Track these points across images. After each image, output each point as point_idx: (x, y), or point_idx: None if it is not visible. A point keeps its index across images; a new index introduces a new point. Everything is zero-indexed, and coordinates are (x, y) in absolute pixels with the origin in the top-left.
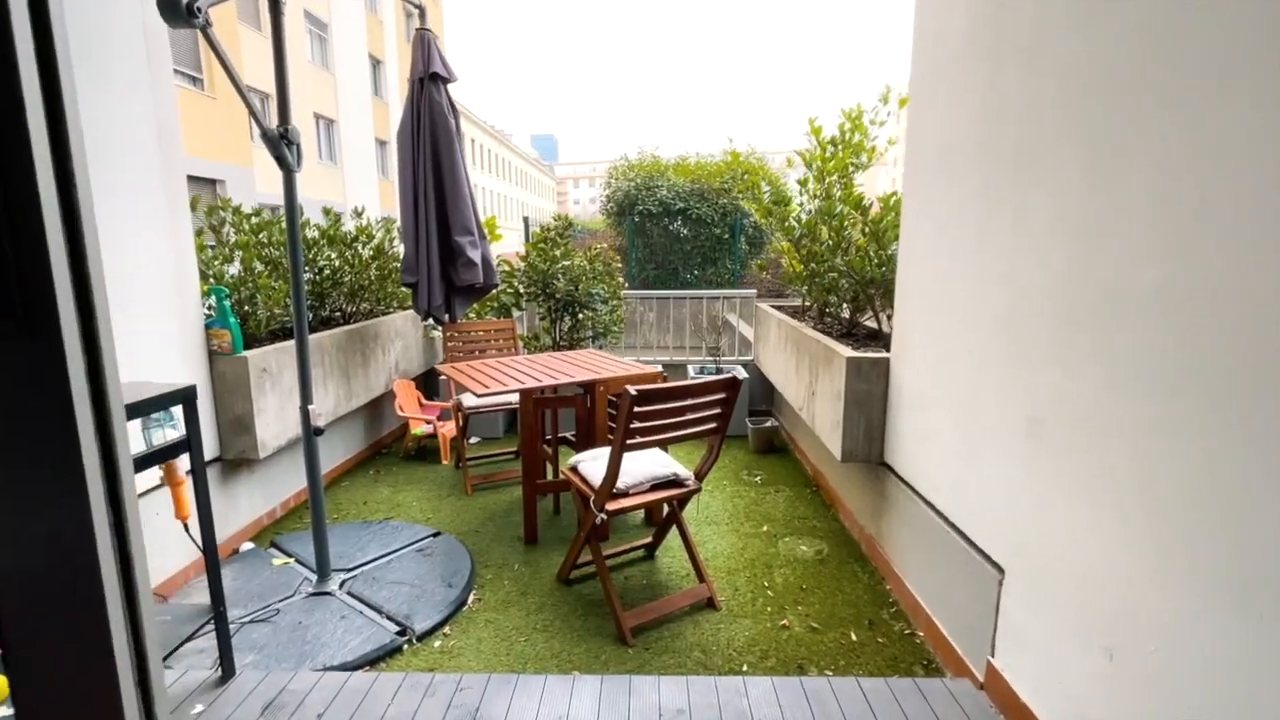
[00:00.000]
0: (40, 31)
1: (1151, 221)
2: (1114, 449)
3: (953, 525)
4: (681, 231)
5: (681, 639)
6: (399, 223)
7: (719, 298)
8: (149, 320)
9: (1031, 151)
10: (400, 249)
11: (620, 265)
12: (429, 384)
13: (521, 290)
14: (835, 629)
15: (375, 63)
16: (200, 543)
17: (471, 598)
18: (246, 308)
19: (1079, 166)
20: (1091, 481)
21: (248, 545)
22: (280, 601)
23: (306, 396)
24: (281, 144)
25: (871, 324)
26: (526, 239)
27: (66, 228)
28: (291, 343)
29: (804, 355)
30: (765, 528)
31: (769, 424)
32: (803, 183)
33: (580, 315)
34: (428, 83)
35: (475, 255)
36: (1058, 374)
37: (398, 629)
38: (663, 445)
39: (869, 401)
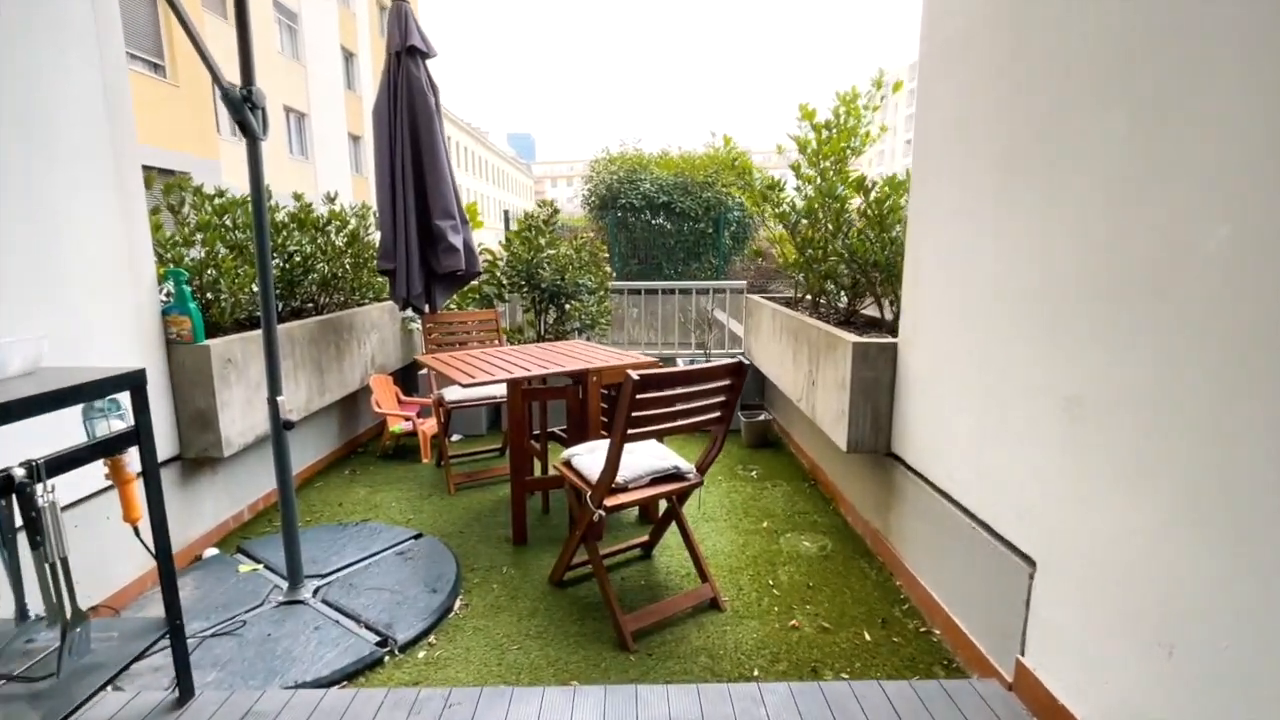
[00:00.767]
0: None
1: (1215, 178)
2: (1175, 429)
3: (973, 516)
4: (665, 226)
5: (686, 643)
6: (375, 207)
7: (708, 290)
8: (95, 302)
9: (1066, 118)
10: (376, 237)
11: (606, 255)
12: (407, 380)
13: (505, 281)
14: (847, 628)
15: (348, 55)
16: (153, 548)
17: (458, 603)
18: (209, 294)
19: (1124, 128)
20: (1147, 466)
21: (211, 551)
22: (247, 612)
23: (275, 388)
24: (244, 107)
25: (870, 312)
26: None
27: None
28: (257, 332)
29: (803, 344)
30: (765, 523)
31: (762, 417)
32: (795, 167)
33: (567, 307)
34: (405, 57)
35: (457, 240)
36: (1102, 350)
37: (378, 639)
38: (659, 437)
39: (876, 389)
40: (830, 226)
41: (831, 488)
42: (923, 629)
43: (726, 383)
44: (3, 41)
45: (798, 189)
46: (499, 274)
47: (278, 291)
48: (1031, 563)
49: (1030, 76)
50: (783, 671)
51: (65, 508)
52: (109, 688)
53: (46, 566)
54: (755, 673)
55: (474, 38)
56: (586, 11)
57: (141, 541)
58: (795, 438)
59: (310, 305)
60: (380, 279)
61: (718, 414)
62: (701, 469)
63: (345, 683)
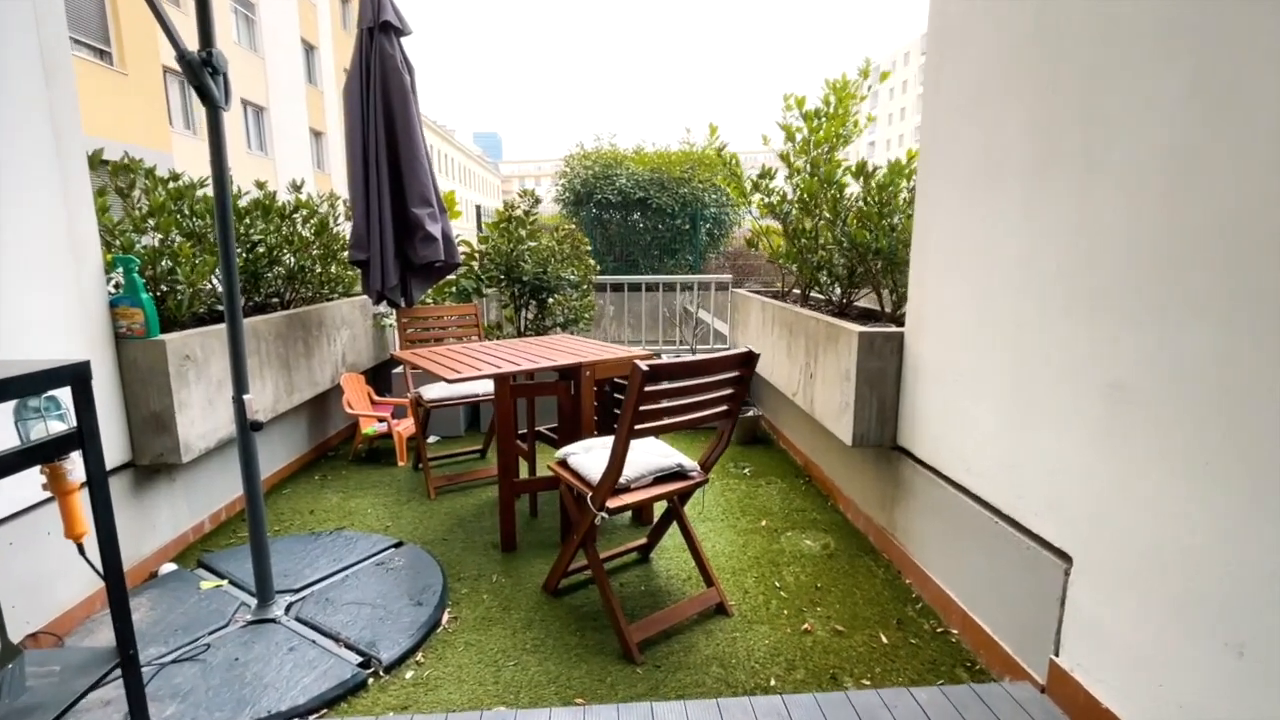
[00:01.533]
0: None
1: None
2: (1238, 415)
3: (996, 510)
4: (640, 223)
5: (695, 652)
6: (346, 195)
7: (692, 284)
8: (29, 290)
9: (1111, 78)
10: (346, 228)
11: (589, 248)
12: (379, 379)
13: (483, 276)
14: (862, 631)
15: (309, 48)
16: (100, 567)
17: (446, 617)
18: (164, 285)
19: (1180, 87)
20: (1210, 454)
21: (168, 566)
22: (211, 634)
23: (241, 385)
24: (204, 71)
25: (866, 303)
26: (479, 229)
27: None
28: (219, 326)
29: (799, 337)
30: (764, 522)
31: (751, 413)
32: (784, 156)
33: (549, 301)
34: (378, 33)
35: (435, 229)
36: (1152, 330)
37: (360, 660)
38: (657, 433)
39: (882, 380)
40: (828, 215)
41: (828, 484)
42: (940, 629)
43: (735, 374)
44: None
45: (788, 178)
46: (477, 267)
47: (240, 284)
48: (1066, 558)
49: (1067, 34)
50: (801, 680)
51: None
52: None
53: None
54: (773, 682)
55: (440, 34)
56: (556, 10)
57: (87, 560)
58: (786, 433)
59: (276, 300)
60: (351, 272)
61: (726, 407)
62: (706, 466)
63: (325, 710)
